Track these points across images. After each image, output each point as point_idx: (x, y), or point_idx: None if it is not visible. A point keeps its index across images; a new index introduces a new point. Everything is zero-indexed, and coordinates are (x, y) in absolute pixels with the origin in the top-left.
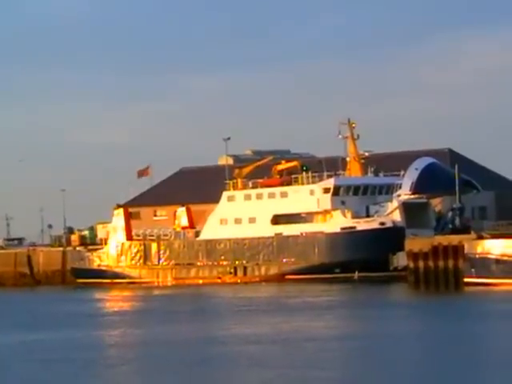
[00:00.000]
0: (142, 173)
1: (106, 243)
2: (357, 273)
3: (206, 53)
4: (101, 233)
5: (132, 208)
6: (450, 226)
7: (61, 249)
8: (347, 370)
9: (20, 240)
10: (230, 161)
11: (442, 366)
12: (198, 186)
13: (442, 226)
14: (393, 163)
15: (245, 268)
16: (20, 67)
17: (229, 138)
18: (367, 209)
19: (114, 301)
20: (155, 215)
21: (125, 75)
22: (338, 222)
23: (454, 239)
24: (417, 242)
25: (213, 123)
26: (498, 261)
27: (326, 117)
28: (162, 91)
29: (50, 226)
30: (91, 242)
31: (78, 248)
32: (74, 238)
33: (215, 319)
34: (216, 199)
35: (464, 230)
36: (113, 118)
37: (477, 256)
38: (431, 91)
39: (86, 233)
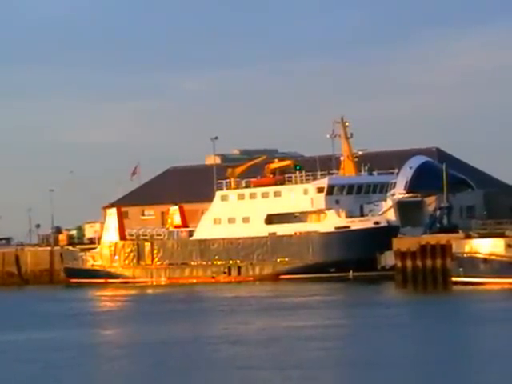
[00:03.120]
0: (133, 173)
1: (95, 242)
2: (351, 272)
3: (193, 52)
4: (88, 232)
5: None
6: (438, 225)
7: (49, 248)
8: (301, 370)
9: (8, 239)
10: (218, 160)
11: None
12: (186, 186)
13: (430, 225)
14: (381, 162)
15: (239, 268)
16: (5, 65)
17: (216, 138)
18: (361, 208)
19: (102, 301)
20: (143, 215)
21: (112, 75)
22: (332, 221)
23: (442, 238)
24: (405, 241)
25: (200, 122)
26: (485, 260)
27: (313, 116)
28: (149, 91)
29: (37, 226)
30: (79, 241)
31: (70, 248)
32: (62, 237)
33: (193, 319)
34: (204, 198)
35: (452, 229)
36: (100, 117)
37: (465, 255)
38: (419, 90)
39: (74, 232)
